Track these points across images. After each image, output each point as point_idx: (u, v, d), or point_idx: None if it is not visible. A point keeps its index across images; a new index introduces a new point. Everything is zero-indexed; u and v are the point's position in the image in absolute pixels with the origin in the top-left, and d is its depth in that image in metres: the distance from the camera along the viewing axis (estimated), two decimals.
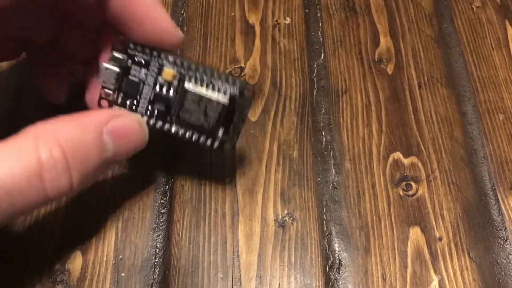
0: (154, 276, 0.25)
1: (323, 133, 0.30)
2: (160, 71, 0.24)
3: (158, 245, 0.26)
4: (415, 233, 0.27)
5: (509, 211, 0.27)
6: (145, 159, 0.27)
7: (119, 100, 0.24)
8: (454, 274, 0.26)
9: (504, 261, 0.26)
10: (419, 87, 0.31)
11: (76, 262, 0.26)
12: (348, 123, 0.30)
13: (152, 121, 0.24)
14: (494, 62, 0.32)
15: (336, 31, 0.33)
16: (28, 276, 0.25)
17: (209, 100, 0.23)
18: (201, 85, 0.23)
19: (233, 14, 0.34)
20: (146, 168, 0.28)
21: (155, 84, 0.24)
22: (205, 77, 0.23)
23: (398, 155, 0.29)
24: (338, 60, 0.32)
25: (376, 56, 0.32)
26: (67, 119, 0.21)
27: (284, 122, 0.30)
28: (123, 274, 0.25)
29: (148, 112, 0.24)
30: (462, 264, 0.26)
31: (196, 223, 0.27)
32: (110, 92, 0.24)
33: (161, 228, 0.27)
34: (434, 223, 0.27)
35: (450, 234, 0.27)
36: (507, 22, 0.34)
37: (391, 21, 0.34)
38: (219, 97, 0.23)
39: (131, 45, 0.24)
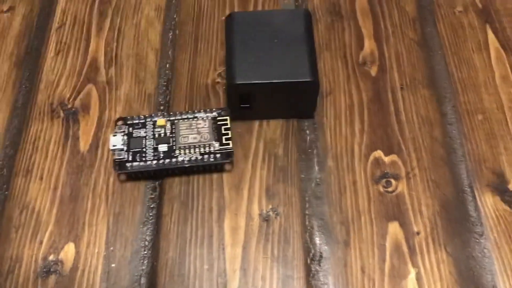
0: (143, 267, 0.27)
1: (308, 132, 0.31)
2: (154, 125, 0.29)
3: (147, 238, 0.27)
4: (394, 227, 0.28)
5: (485, 207, 0.28)
6: None
7: (130, 157, 0.28)
8: (431, 267, 0.27)
9: (480, 255, 0.27)
10: (402, 88, 0.32)
11: (69, 254, 0.27)
12: (331, 123, 0.31)
13: (161, 162, 0.28)
14: (474, 65, 0.33)
15: (322, 35, 0.35)
16: (22, 267, 0.26)
17: (198, 121, 0.29)
18: (188, 118, 0.30)
19: (223, 18, 0.35)
20: None
21: (154, 135, 0.29)
22: (188, 113, 0.30)
23: (379, 153, 0.30)
24: (324, 63, 0.33)
25: (360, 59, 0.34)
26: None
27: (270, 122, 0.31)
28: (113, 265, 0.27)
29: (155, 156, 0.28)
30: (439, 258, 0.27)
31: (184, 218, 0.28)
32: (122, 152, 0.28)
33: (150, 222, 0.28)
34: (412, 218, 0.28)
35: (428, 229, 0.28)
36: (487, 26, 0.35)
37: (375, 25, 0.35)
38: (204, 117, 0.30)
39: (128, 117, 0.30)
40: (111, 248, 0.27)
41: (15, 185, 0.29)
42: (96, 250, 0.27)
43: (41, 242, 0.27)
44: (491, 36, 0.34)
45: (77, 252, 0.27)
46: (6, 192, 0.29)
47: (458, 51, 0.34)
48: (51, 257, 0.27)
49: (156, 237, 0.27)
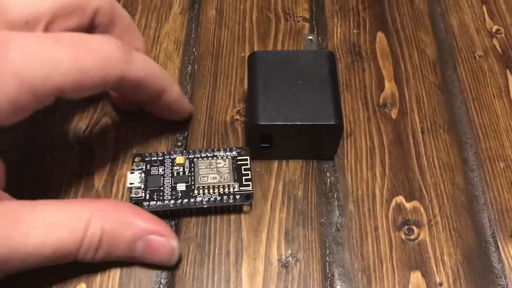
0: None
1: (328, 174, 0.30)
2: (173, 162, 0.29)
3: (162, 280, 0.26)
4: (416, 277, 0.27)
5: (509, 259, 0.28)
6: None
7: (147, 196, 0.28)
8: None
9: None
10: (422, 132, 0.32)
11: None
12: (352, 165, 0.31)
13: (178, 202, 0.27)
14: (495, 111, 0.33)
15: (343, 75, 0.34)
16: None
17: (217, 160, 0.29)
18: (207, 156, 0.29)
19: (243, 54, 0.35)
20: None
21: (172, 173, 0.28)
22: (208, 151, 0.29)
23: (400, 199, 0.29)
24: (344, 103, 0.33)
25: (381, 101, 0.33)
26: (121, 208, 0.25)
27: (290, 162, 0.30)
28: None
29: (173, 196, 0.28)
30: None
31: (200, 260, 0.27)
32: (139, 190, 0.28)
33: None
34: (435, 268, 0.27)
35: (451, 280, 0.27)
36: (508, 72, 0.35)
37: (395, 67, 0.35)
38: (224, 156, 0.29)
39: (146, 154, 0.29)
40: None
41: None
42: None
43: (51, 283, 0.26)
44: (511, 81, 0.34)
45: None
46: None
47: (478, 96, 0.34)
48: None
49: (171, 280, 0.26)
